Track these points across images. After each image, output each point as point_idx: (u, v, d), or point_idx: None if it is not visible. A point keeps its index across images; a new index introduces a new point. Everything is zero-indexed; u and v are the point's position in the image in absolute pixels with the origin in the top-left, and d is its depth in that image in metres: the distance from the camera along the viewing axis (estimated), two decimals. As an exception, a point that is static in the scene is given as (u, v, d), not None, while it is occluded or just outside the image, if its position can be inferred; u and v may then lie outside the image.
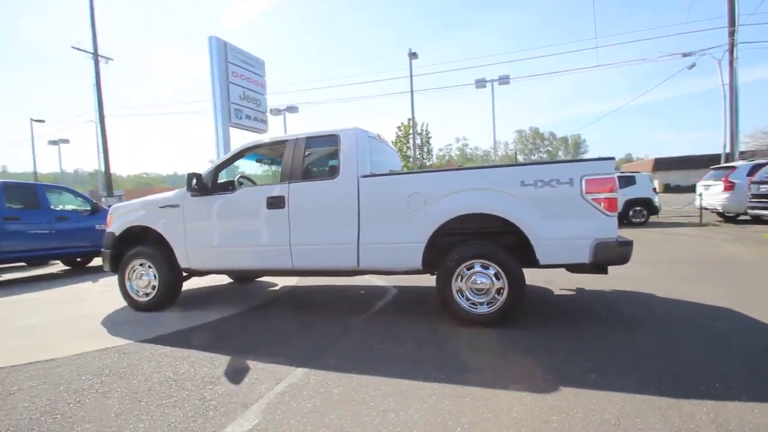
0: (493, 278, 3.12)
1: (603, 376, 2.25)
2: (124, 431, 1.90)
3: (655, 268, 5.21)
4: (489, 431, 1.78)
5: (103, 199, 18.85)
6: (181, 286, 4.31)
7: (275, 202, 3.70)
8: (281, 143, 3.97)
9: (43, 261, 7.95)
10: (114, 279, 4.82)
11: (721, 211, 10.58)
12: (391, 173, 4.04)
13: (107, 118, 18.34)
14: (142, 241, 4.28)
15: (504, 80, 20.98)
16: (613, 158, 3.01)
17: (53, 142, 32.42)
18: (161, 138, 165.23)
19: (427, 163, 39.42)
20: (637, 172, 12.04)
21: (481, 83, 21.58)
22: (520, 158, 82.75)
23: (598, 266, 3.07)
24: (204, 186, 3.95)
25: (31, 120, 31.33)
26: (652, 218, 11.63)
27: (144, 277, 4.16)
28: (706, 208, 10.80)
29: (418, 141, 33.37)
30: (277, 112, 24.29)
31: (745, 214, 9.55)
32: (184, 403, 2.15)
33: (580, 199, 2.97)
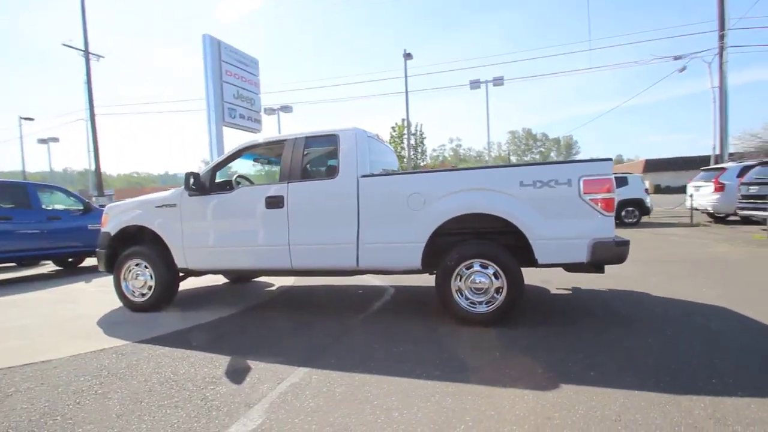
0: (492, 278, 3.15)
1: (602, 373, 2.28)
2: (127, 432, 1.89)
3: (648, 268, 5.29)
4: (492, 428, 1.80)
5: (94, 198, 18.62)
6: (177, 286, 4.27)
7: (274, 202, 3.69)
8: (280, 143, 3.96)
9: (34, 261, 7.84)
10: (108, 279, 4.78)
11: (711, 211, 10.75)
12: (391, 173, 4.05)
13: (98, 116, 18.14)
14: (137, 240, 4.25)
15: (498, 81, 21.15)
16: (610, 159, 3.06)
17: (42, 141, 31.99)
18: (152, 137, 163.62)
19: (421, 164, 39.50)
20: (629, 173, 12.18)
21: (475, 84, 21.72)
22: (513, 159, 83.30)
23: (595, 265, 3.12)
24: (202, 185, 3.92)
25: (20, 118, 30.90)
26: (644, 219, 11.78)
27: (140, 278, 4.12)
28: (696, 209, 10.98)
29: (412, 141, 33.43)
30: (271, 111, 24.22)
31: (735, 214, 9.73)
32: (186, 403, 2.14)
33: (578, 200, 3.02)
